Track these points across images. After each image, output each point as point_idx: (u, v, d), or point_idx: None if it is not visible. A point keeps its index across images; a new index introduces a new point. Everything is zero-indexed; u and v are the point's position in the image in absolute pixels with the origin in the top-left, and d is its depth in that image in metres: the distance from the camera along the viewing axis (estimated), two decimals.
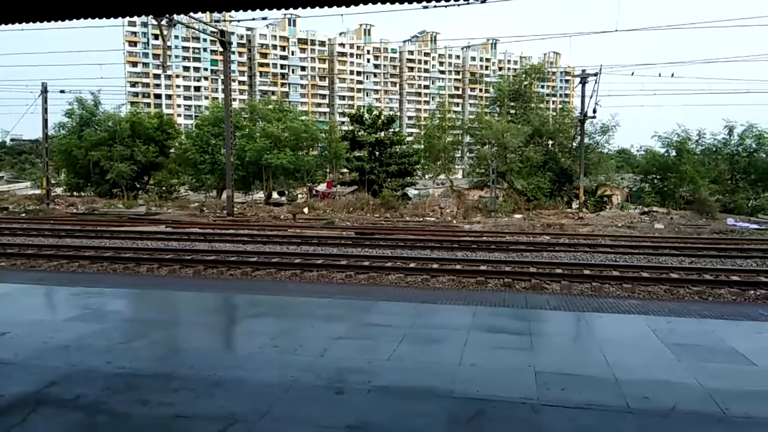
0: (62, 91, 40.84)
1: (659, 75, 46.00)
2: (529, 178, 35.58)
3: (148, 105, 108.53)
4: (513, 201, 33.62)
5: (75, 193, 41.82)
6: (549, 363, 5.52)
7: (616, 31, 44.92)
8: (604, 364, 5.53)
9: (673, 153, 36.92)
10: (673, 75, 41.01)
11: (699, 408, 4.50)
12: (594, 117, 33.99)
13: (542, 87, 52.59)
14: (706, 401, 4.63)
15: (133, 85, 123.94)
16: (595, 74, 32.43)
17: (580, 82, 33.52)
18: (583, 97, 33.40)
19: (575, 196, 35.93)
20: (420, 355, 5.79)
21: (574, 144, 38.01)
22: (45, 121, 36.82)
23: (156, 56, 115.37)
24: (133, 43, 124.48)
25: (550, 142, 39.70)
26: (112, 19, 6.92)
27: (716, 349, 6.14)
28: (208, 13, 8.51)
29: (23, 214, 29.85)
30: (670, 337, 6.46)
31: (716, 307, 8.70)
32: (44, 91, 36.34)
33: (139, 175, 41.13)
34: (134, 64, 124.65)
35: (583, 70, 33.55)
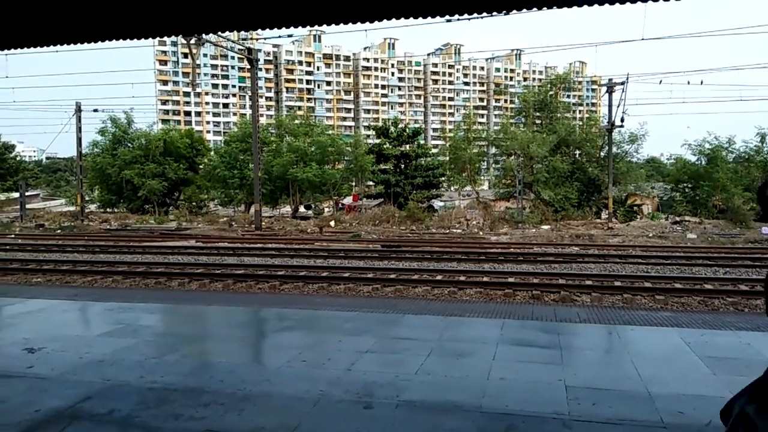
0: (96, 110, 42.17)
1: (688, 83, 45.45)
2: (556, 189, 35.21)
3: (179, 122, 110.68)
4: (540, 212, 33.30)
5: (108, 210, 42.80)
6: (580, 377, 5.43)
7: (643, 39, 44.27)
8: (637, 378, 5.42)
9: (705, 161, 36.21)
10: (702, 83, 40.28)
11: None
12: (622, 126, 33.60)
13: (568, 97, 52.13)
14: None
15: (164, 103, 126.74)
16: (622, 83, 32.09)
17: (607, 92, 33.17)
18: (610, 106, 33.03)
19: (604, 206, 35.42)
20: (448, 369, 5.75)
21: (602, 153, 37.56)
22: (79, 140, 37.86)
23: (186, 74, 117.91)
24: (164, 62, 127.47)
25: (578, 151, 39.28)
26: (143, 39, 7.12)
27: (753, 362, 5.96)
28: (235, 31, 8.70)
29: (58, 231, 30.61)
30: (705, 350, 6.31)
31: (752, 319, 8.47)
32: (78, 110, 37.42)
33: (170, 191, 41.93)
34: (165, 83, 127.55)
35: (610, 79, 33.22)
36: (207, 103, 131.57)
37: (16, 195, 45.26)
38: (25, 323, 7.96)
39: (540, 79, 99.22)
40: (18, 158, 77.61)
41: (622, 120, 32.57)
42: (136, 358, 6.13)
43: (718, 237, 24.56)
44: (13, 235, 27.30)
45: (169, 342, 7.04)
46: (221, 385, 5.23)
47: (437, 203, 42.98)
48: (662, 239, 23.96)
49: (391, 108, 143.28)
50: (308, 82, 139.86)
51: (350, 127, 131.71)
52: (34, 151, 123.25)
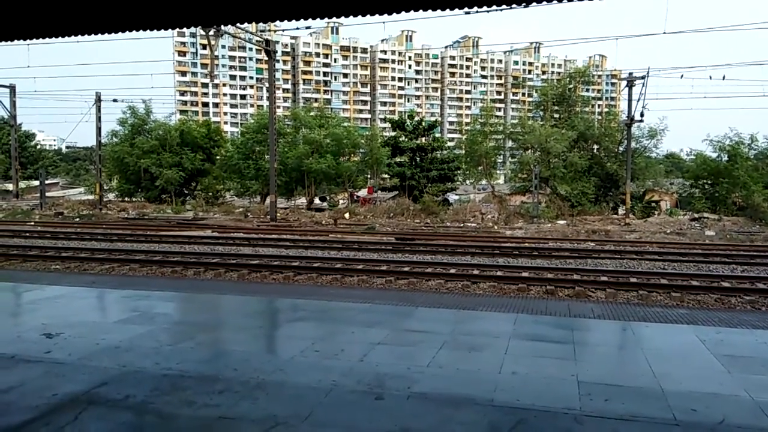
0: (115, 100, 42.75)
1: (710, 78, 44.84)
2: (573, 184, 34.91)
3: (197, 113, 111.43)
4: (556, 207, 33.07)
5: (126, 199, 43.27)
6: (592, 373, 5.41)
7: (664, 33, 43.76)
8: (651, 375, 5.38)
9: (725, 157, 35.66)
10: (724, 77, 39.62)
11: (749, 422, 4.34)
12: (641, 121, 33.22)
13: (587, 90, 51.48)
14: (757, 415, 4.46)
15: (182, 93, 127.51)
16: (643, 77, 31.71)
17: (627, 86, 32.80)
18: (629, 100, 32.67)
19: (621, 202, 35.10)
20: (460, 362, 5.76)
21: (621, 148, 37.16)
22: (98, 129, 38.26)
23: (204, 66, 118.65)
24: (182, 53, 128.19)
25: (596, 146, 38.91)
26: (162, 30, 7.17)
27: None
28: (254, 23, 8.71)
29: (77, 219, 31.03)
30: (720, 348, 6.25)
31: None
32: (98, 100, 37.80)
33: (187, 181, 42.26)
34: (183, 74, 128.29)
35: (630, 73, 32.82)
36: (225, 95, 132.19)
37: (36, 183, 45.96)
38: (43, 309, 8.09)
39: (559, 73, 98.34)
40: (39, 147, 78.87)
41: (642, 114, 32.27)
42: (151, 345, 6.21)
43: (736, 234, 24.22)
44: (32, 223, 27.73)
45: (184, 330, 7.13)
46: (235, 374, 5.29)
47: (452, 197, 42.86)
48: (680, 236, 23.69)
49: (408, 101, 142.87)
50: (325, 74, 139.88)
51: (367, 119, 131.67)
52: (55, 140, 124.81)
